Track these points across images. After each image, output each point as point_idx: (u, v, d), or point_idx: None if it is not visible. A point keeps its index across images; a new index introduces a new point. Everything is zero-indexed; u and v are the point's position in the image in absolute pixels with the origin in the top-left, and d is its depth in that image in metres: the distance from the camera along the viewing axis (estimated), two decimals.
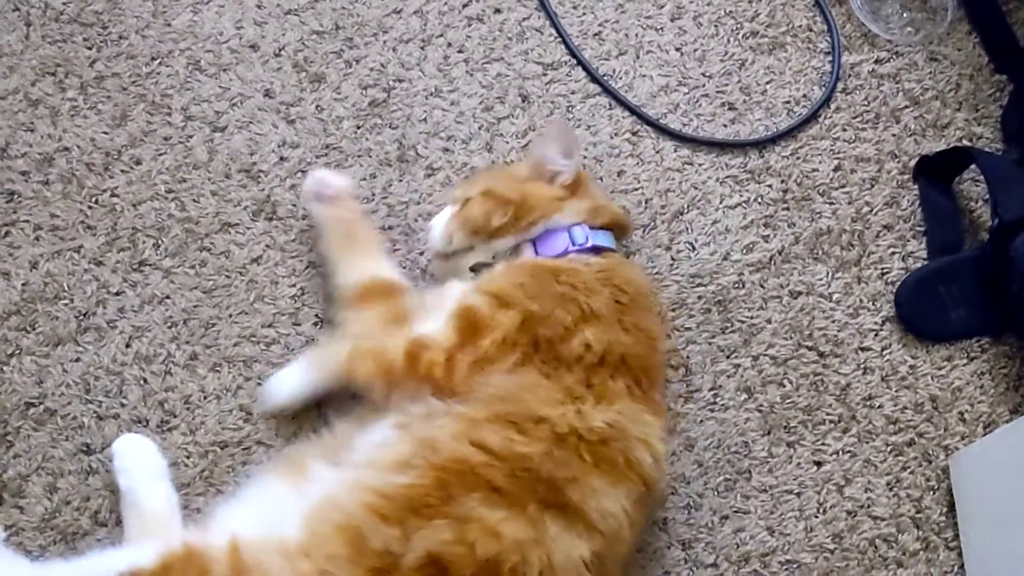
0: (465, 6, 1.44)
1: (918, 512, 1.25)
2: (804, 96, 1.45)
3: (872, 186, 1.41)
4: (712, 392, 1.28)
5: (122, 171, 1.30)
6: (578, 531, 0.98)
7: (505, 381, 1.05)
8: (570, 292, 1.09)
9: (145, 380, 1.21)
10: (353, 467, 1.04)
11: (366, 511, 0.96)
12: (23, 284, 1.23)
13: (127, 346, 1.22)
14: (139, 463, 1.13)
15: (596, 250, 1.18)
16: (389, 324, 1.16)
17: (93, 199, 1.29)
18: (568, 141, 1.22)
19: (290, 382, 1.18)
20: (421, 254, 1.30)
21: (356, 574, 0.93)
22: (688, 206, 1.37)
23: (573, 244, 1.17)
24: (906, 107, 1.45)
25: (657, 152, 1.40)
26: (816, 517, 1.24)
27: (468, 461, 0.98)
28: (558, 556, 0.96)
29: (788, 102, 1.44)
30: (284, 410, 1.19)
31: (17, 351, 1.21)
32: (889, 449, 1.27)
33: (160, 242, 1.27)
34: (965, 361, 1.32)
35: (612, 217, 1.23)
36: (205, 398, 1.21)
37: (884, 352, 1.32)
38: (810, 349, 1.31)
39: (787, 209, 1.38)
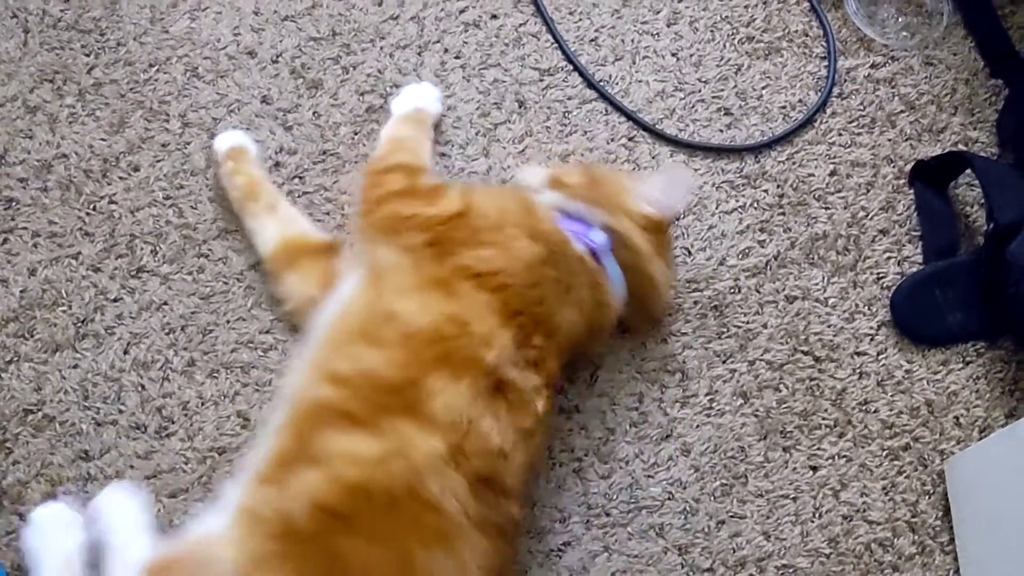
0: (462, 12, 1.45)
1: (914, 516, 1.25)
2: (800, 101, 1.45)
3: (868, 191, 1.41)
4: (708, 397, 1.28)
5: (120, 177, 1.31)
6: (427, 428, 0.97)
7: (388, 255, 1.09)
8: (532, 247, 1.10)
9: (143, 386, 1.21)
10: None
11: (256, 486, 0.97)
12: (21, 291, 1.24)
13: (125, 352, 1.22)
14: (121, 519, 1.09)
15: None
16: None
17: (91, 205, 1.29)
18: (679, 187, 1.23)
19: None
20: None
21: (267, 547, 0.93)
22: (684, 211, 1.37)
23: (586, 239, 1.16)
24: (902, 111, 1.46)
25: (653, 157, 1.40)
26: (812, 521, 1.24)
27: (320, 400, 1.00)
28: (419, 457, 0.95)
29: (784, 107, 1.45)
30: None
31: (15, 357, 1.21)
32: (885, 453, 1.28)
33: (158, 248, 1.28)
34: (961, 365, 1.33)
35: (637, 266, 1.19)
36: (203, 404, 1.21)
37: (880, 356, 1.32)
38: (806, 354, 1.31)
39: (783, 214, 1.38)
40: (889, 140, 1.44)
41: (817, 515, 1.24)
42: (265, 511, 0.94)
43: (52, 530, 1.07)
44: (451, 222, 1.11)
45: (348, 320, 1.06)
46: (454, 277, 1.06)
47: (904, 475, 1.27)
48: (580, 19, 1.47)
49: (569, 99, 1.42)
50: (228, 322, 1.25)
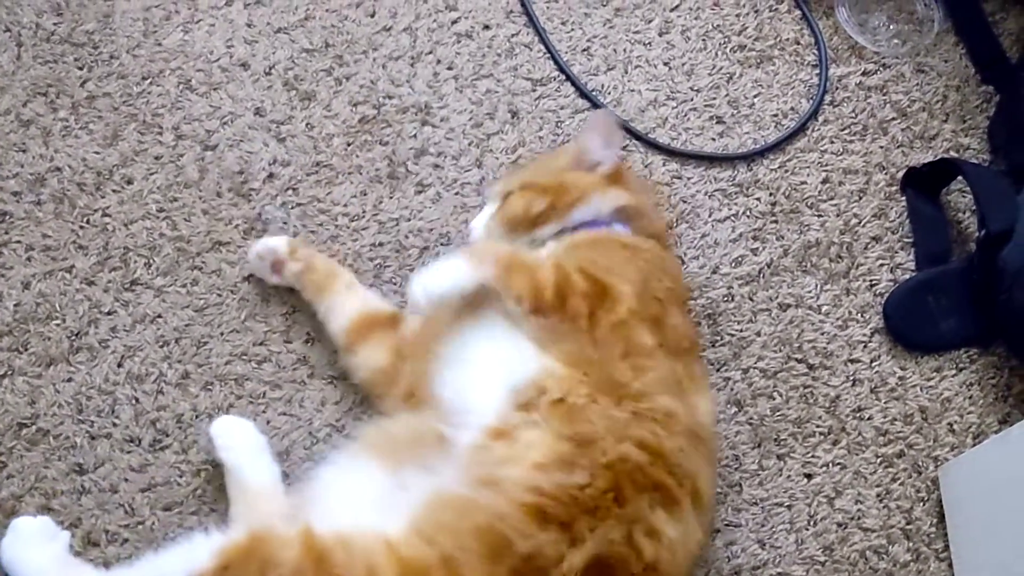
0: (454, 23, 1.45)
1: (908, 523, 1.25)
2: (792, 109, 1.46)
3: (860, 198, 1.41)
4: None
5: (113, 191, 1.31)
6: (704, 519, 1.03)
7: (656, 371, 1.04)
8: (645, 267, 1.11)
9: (137, 399, 1.21)
10: (479, 458, 0.98)
11: (519, 511, 0.92)
12: (15, 304, 1.24)
13: (119, 365, 1.23)
14: (240, 440, 1.15)
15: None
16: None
17: (85, 219, 1.29)
18: (611, 132, 1.23)
19: (447, 278, 1.07)
20: (412, 270, 1.31)
21: (496, 572, 0.90)
22: (677, 220, 1.38)
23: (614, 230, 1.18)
24: (893, 119, 1.46)
25: (646, 166, 1.41)
26: (807, 529, 1.24)
27: (632, 459, 0.96)
28: (691, 546, 1.00)
29: (776, 115, 1.45)
30: (433, 306, 1.09)
31: (9, 371, 1.21)
32: (879, 460, 1.28)
33: (152, 261, 1.28)
34: (954, 372, 1.33)
35: (647, 220, 1.22)
36: (197, 417, 1.21)
37: (873, 363, 1.33)
38: (799, 361, 1.32)
39: (776, 222, 1.39)
40: (881, 147, 1.45)
41: (812, 523, 1.24)
42: (523, 546, 0.91)
43: (32, 542, 1.07)
44: (640, 298, 1.07)
45: (642, 377, 1.03)
46: (681, 358, 1.08)
47: (898, 482, 1.27)
48: (572, 29, 1.48)
49: (562, 109, 1.43)
50: (222, 334, 1.25)
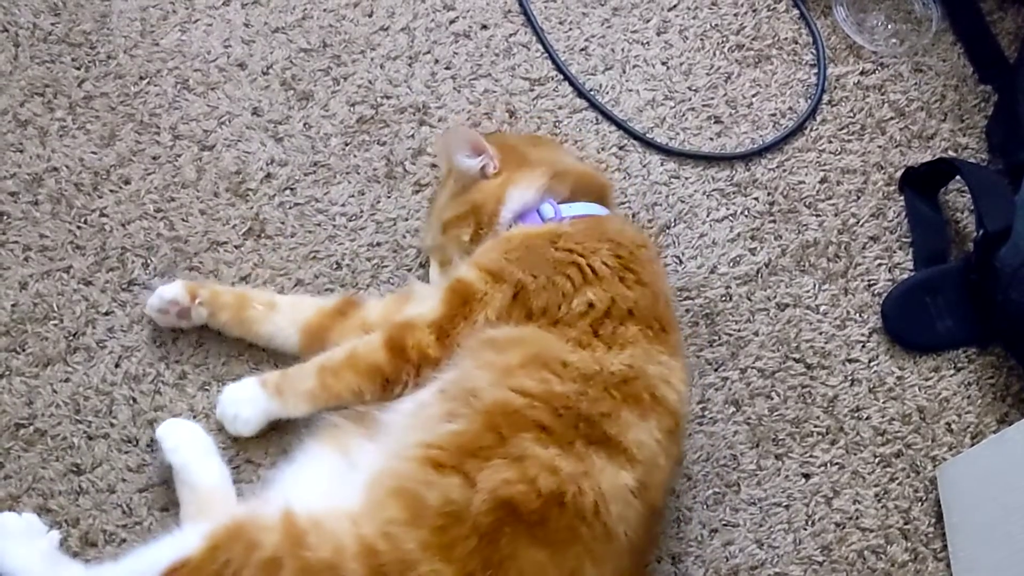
0: (452, 23, 1.45)
1: (906, 523, 1.25)
2: (790, 108, 1.46)
3: (858, 198, 1.41)
4: (700, 405, 1.28)
5: (111, 191, 1.31)
6: (620, 462, 1.01)
7: (506, 331, 1.07)
8: (567, 256, 1.11)
9: (134, 399, 1.21)
10: (397, 434, 1.05)
11: (419, 465, 0.98)
12: (12, 305, 1.24)
13: (116, 366, 1.22)
14: (187, 441, 1.14)
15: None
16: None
17: (82, 219, 1.29)
18: (466, 139, 1.21)
19: (253, 411, 1.16)
20: (409, 270, 1.31)
21: (420, 535, 0.94)
22: (675, 220, 1.38)
23: (543, 222, 1.17)
24: (891, 118, 1.46)
25: (644, 166, 1.41)
26: (805, 529, 1.24)
27: (511, 404, 1.00)
28: (606, 486, 0.99)
29: (774, 115, 1.45)
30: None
31: (7, 372, 1.21)
32: (877, 460, 1.28)
33: (149, 261, 1.28)
34: (952, 372, 1.33)
35: (578, 182, 1.21)
36: (194, 417, 1.21)
37: (871, 363, 1.33)
38: (797, 361, 1.32)
39: (774, 221, 1.39)
40: (879, 147, 1.44)
41: (810, 523, 1.24)
42: (433, 499, 0.95)
43: (17, 539, 1.08)
44: (515, 301, 1.10)
45: (522, 348, 1.05)
46: (589, 325, 1.07)
47: (896, 482, 1.27)
48: (570, 29, 1.47)
49: (560, 108, 1.43)
50: (219, 335, 1.25)
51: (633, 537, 1.01)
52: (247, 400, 1.16)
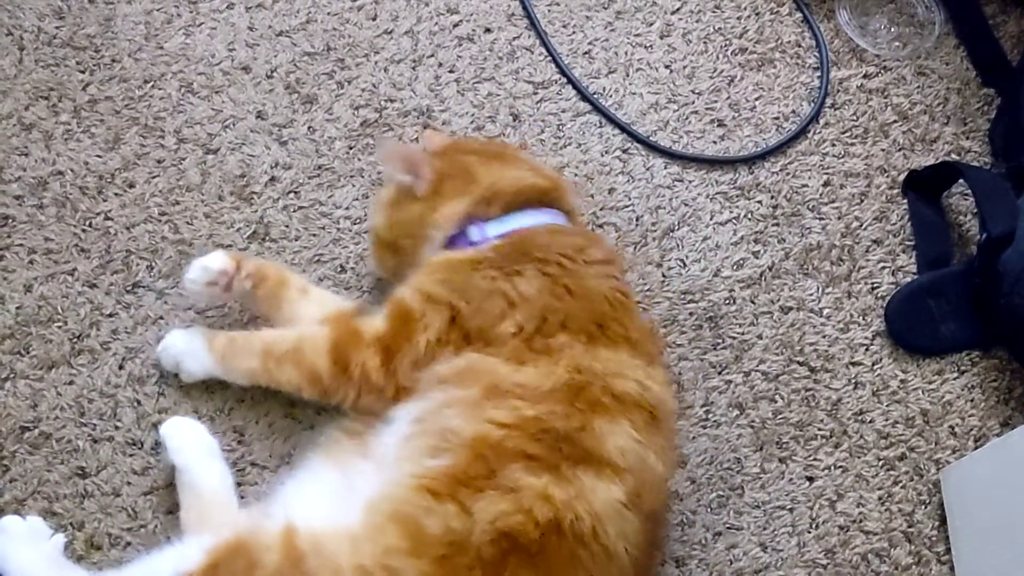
0: (456, 26, 1.45)
1: (910, 526, 1.26)
2: (793, 112, 1.46)
3: (861, 201, 1.42)
4: (704, 408, 1.29)
5: (115, 194, 1.31)
6: (607, 476, 1.00)
7: (453, 363, 1.07)
8: (490, 284, 1.09)
9: (139, 402, 1.21)
10: (389, 462, 1.04)
11: (415, 492, 0.97)
12: (17, 307, 1.24)
13: (120, 368, 1.23)
14: (191, 443, 1.14)
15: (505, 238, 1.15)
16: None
17: (87, 222, 1.29)
18: (400, 156, 1.19)
19: (196, 367, 1.17)
20: None
21: (422, 567, 0.93)
22: (679, 223, 1.38)
23: (472, 246, 1.14)
24: (894, 121, 1.46)
25: (647, 169, 1.41)
26: (808, 532, 1.24)
27: (491, 437, 0.99)
28: (599, 505, 0.98)
29: (777, 118, 1.45)
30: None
31: (11, 375, 1.21)
32: (880, 464, 1.28)
33: (153, 264, 1.28)
34: (955, 375, 1.33)
35: (518, 194, 1.17)
36: (199, 419, 1.21)
37: (875, 367, 1.33)
38: (801, 364, 1.32)
39: (777, 225, 1.39)
40: (882, 150, 1.45)
41: (813, 526, 1.25)
42: (434, 527, 0.95)
43: (21, 542, 1.08)
44: (452, 325, 1.09)
45: (476, 379, 1.05)
46: (522, 343, 1.07)
47: (900, 485, 1.27)
48: (574, 32, 1.48)
49: (563, 112, 1.43)
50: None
51: (634, 551, 1.00)
52: (192, 354, 1.17)
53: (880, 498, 1.26)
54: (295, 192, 1.34)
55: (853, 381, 1.32)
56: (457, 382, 1.05)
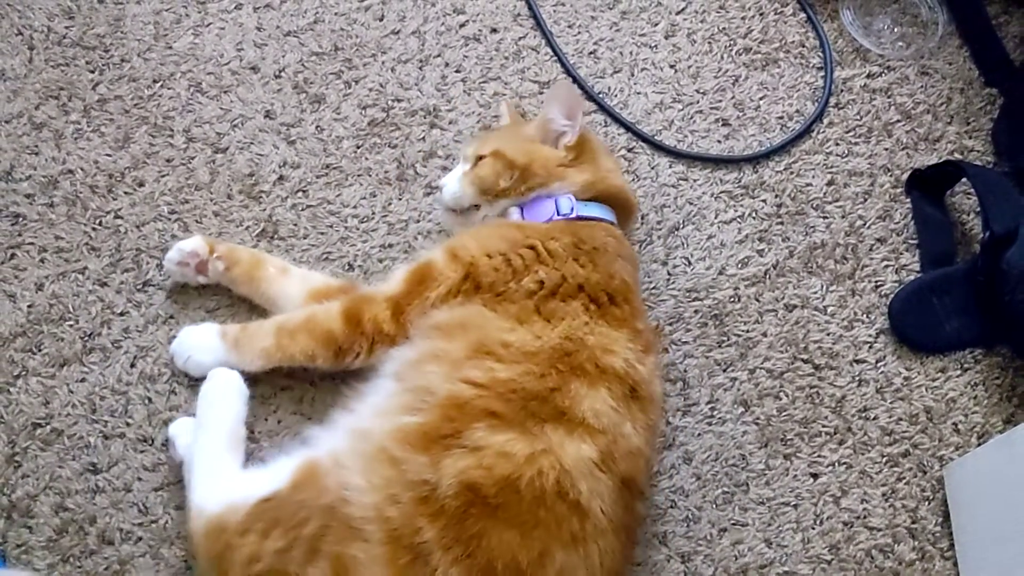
0: (462, 26, 1.46)
1: (914, 522, 1.26)
2: (797, 111, 1.47)
3: (865, 200, 1.42)
4: (709, 405, 1.30)
5: (125, 193, 1.32)
6: (578, 434, 1.02)
7: (451, 313, 1.10)
8: (527, 240, 1.14)
9: (150, 399, 1.22)
10: (368, 416, 1.08)
11: (393, 440, 1.01)
12: (29, 306, 1.25)
13: (132, 366, 1.24)
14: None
15: (581, 220, 1.19)
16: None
17: (97, 221, 1.30)
18: (571, 102, 1.23)
19: (208, 359, 1.19)
20: None
21: (406, 497, 0.98)
22: (684, 221, 1.39)
23: (558, 213, 1.19)
24: (898, 121, 1.47)
25: (652, 168, 1.42)
26: (813, 528, 1.25)
27: (462, 396, 1.03)
28: (568, 460, 1.00)
29: (781, 117, 1.46)
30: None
31: (24, 372, 1.22)
32: (884, 460, 1.29)
33: (163, 263, 1.29)
34: (959, 372, 1.34)
35: (602, 190, 1.23)
36: None
37: (879, 364, 1.34)
38: (805, 362, 1.33)
39: (781, 223, 1.40)
40: (886, 149, 1.46)
41: (818, 522, 1.25)
42: (409, 468, 0.99)
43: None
44: (465, 278, 1.13)
45: (466, 334, 1.08)
46: (534, 303, 1.10)
47: (904, 481, 1.28)
48: (579, 32, 1.49)
49: None
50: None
51: (611, 513, 1.02)
52: (205, 348, 1.19)
53: (884, 494, 1.27)
54: (303, 191, 1.35)
55: (857, 378, 1.33)
56: (446, 333, 1.09)
